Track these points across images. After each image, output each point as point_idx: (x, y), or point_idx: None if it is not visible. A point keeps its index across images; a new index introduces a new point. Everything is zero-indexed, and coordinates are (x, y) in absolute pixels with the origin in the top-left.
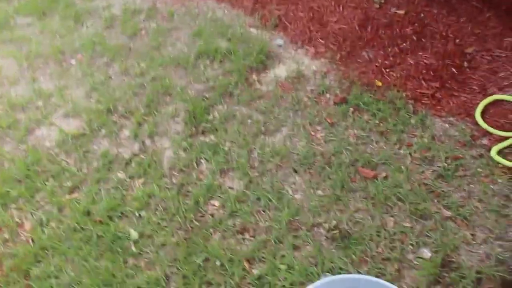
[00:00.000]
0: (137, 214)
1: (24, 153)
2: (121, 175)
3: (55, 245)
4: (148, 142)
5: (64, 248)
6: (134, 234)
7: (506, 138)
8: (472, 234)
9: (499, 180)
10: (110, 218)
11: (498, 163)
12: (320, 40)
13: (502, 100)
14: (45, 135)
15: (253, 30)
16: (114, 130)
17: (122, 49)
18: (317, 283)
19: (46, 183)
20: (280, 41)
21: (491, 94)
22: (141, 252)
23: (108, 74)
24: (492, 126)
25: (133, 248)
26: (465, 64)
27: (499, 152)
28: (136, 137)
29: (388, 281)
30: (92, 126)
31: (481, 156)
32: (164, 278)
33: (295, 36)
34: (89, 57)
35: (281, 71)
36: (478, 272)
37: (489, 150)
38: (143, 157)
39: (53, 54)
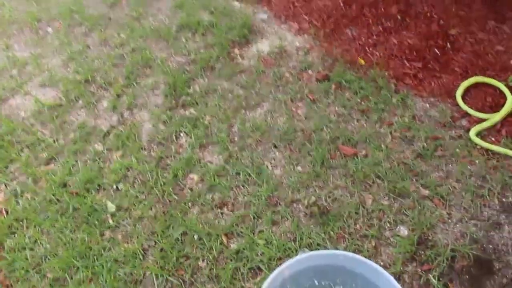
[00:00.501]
0: (114, 187)
1: None
2: (98, 147)
3: (30, 216)
4: (126, 114)
5: (39, 220)
6: (111, 207)
7: (485, 120)
8: (448, 213)
9: (477, 161)
10: (87, 190)
11: (476, 144)
12: (304, 16)
13: (483, 83)
14: (20, 104)
15: (236, 3)
16: (92, 101)
17: (101, 19)
18: (295, 258)
19: (21, 154)
20: (263, 16)
21: (472, 76)
22: (118, 225)
23: (87, 44)
24: (472, 108)
25: (110, 221)
26: (448, 45)
27: (478, 134)
28: (115, 109)
29: (365, 257)
30: (69, 96)
31: (460, 137)
32: (141, 251)
33: (279, 11)
34: (66, 26)
35: (263, 46)
36: (452, 250)
37: (468, 131)
38: (121, 129)
39: (29, 21)
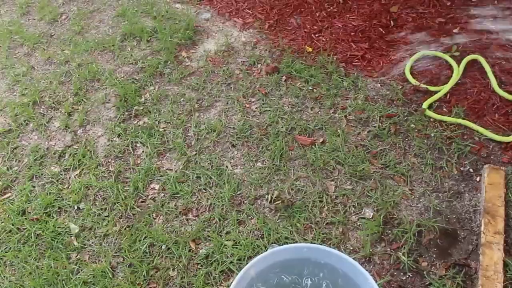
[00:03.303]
0: (75, 207)
1: None
2: (55, 169)
3: None
4: (80, 131)
5: (0, 252)
6: (74, 228)
7: (435, 92)
8: (410, 189)
9: (432, 134)
10: (48, 214)
11: (430, 117)
12: (247, 11)
13: (429, 56)
14: None
15: (178, 5)
16: (43, 123)
17: (42, 37)
18: (259, 256)
19: None
20: (207, 15)
21: (418, 51)
22: (84, 246)
23: (30, 65)
24: (421, 82)
25: (75, 243)
26: (392, 23)
27: (430, 107)
28: (67, 128)
29: (333, 244)
30: (18, 121)
31: (413, 112)
32: (110, 269)
33: (222, 9)
34: (6, 48)
35: (210, 45)
36: (418, 225)
37: (420, 105)
38: (76, 147)
39: None
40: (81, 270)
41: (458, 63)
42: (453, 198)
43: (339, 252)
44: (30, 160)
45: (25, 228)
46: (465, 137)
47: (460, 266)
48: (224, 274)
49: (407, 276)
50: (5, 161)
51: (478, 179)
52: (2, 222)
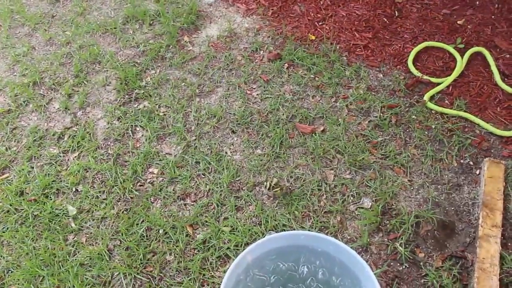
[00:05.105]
0: (74, 189)
1: None
2: (54, 150)
3: None
4: (79, 113)
5: None
6: (72, 210)
7: (438, 84)
8: (409, 181)
9: (433, 126)
10: (46, 196)
11: (431, 109)
12: None
13: (431, 47)
14: None
15: None
16: (42, 104)
17: (44, 17)
18: (256, 242)
19: None
20: (210, 0)
21: (422, 42)
22: (81, 228)
23: (31, 45)
24: (424, 73)
25: (73, 225)
26: (396, 13)
27: (432, 98)
28: (67, 110)
29: (331, 233)
30: (18, 101)
31: (415, 103)
32: (107, 251)
33: None
34: (7, 27)
35: (212, 30)
36: (416, 217)
37: (422, 97)
38: (75, 129)
39: None
40: (78, 252)
41: (462, 55)
42: (452, 190)
43: (337, 241)
44: (29, 141)
45: (23, 209)
46: (466, 129)
47: (457, 258)
48: (221, 260)
49: (404, 267)
50: (4, 141)
51: (477, 172)
52: (0, 202)
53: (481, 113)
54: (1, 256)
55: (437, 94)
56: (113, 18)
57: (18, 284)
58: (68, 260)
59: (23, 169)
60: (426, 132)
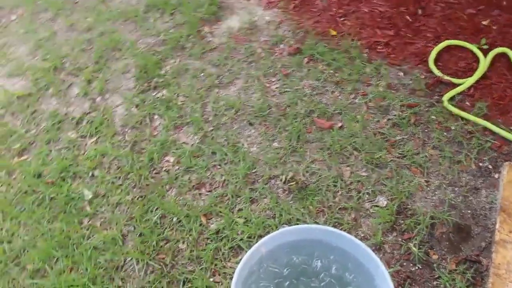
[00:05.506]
0: (90, 174)
1: None
2: (72, 134)
3: (6, 209)
4: (98, 99)
5: (15, 212)
6: (88, 194)
7: (459, 84)
8: (426, 181)
9: (452, 127)
10: (63, 179)
11: (450, 111)
12: None
13: (455, 47)
14: None
15: None
16: (62, 89)
17: (66, 3)
18: (270, 235)
19: None
20: None
21: (444, 41)
22: (96, 212)
23: (53, 30)
24: (445, 73)
25: (88, 208)
26: (419, 11)
27: (452, 99)
28: (86, 95)
29: (345, 230)
30: (38, 85)
31: (435, 103)
32: (121, 237)
33: None
34: (30, 12)
35: (233, 22)
36: (432, 218)
37: (442, 97)
38: (94, 115)
39: None
40: (92, 236)
41: (485, 56)
42: (469, 193)
43: (352, 237)
44: (48, 124)
45: (40, 191)
46: (486, 132)
47: (471, 262)
48: (233, 251)
49: (417, 268)
50: (24, 123)
51: (496, 176)
52: (18, 183)
53: (503, 117)
54: (18, 235)
55: (458, 95)
56: (135, 6)
57: (34, 263)
58: (82, 243)
59: (41, 152)
60: (445, 133)
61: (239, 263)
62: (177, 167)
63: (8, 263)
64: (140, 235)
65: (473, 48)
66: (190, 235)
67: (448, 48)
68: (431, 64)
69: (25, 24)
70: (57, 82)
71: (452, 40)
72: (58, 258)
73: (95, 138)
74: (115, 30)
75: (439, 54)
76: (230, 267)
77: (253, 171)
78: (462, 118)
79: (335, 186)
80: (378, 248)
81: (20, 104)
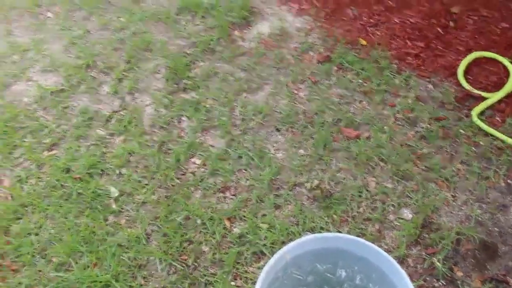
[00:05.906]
0: (117, 172)
1: (1, 109)
2: (101, 132)
3: (34, 202)
4: (128, 98)
5: (44, 205)
6: (114, 192)
7: (488, 98)
8: (453, 196)
9: (481, 142)
10: (90, 175)
11: (478, 126)
12: None
13: (486, 61)
14: (23, 90)
15: None
16: (93, 86)
17: (100, 3)
18: (295, 241)
19: (24, 140)
20: None
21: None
22: (122, 210)
23: (87, 29)
24: (475, 87)
25: (114, 206)
26: (451, 24)
27: (482, 113)
28: (116, 94)
29: (368, 241)
30: (71, 81)
31: (464, 117)
32: (145, 235)
33: None
34: (66, 10)
35: (264, 27)
36: (457, 233)
37: (471, 111)
38: (123, 113)
39: (29, 7)
40: (117, 233)
41: None
42: (497, 210)
43: (378, 248)
44: (78, 120)
45: (68, 186)
46: None
47: (498, 281)
48: (256, 256)
49: (440, 283)
50: (55, 119)
51: None
52: (47, 177)
53: None
54: (45, 228)
55: (488, 110)
56: (167, 8)
57: (59, 256)
58: (107, 239)
59: (71, 147)
60: (473, 148)
61: (261, 268)
62: (203, 169)
63: (35, 254)
64: (164, 235)
65: (505, 61)
66: (214, 238)
67: (479, 62)
68: (460, 77)
69: (60, 21)
70: (88, 79)
71: (481, 52)
72: (83, 253)
73: (123, 137)
74: (146, 31)
75: (469, 68)
76: (252, 272)
77: (279, 177)
78: (491, 134)
79: (360, 196)
80: (401, 261)
81: (53, 99)
